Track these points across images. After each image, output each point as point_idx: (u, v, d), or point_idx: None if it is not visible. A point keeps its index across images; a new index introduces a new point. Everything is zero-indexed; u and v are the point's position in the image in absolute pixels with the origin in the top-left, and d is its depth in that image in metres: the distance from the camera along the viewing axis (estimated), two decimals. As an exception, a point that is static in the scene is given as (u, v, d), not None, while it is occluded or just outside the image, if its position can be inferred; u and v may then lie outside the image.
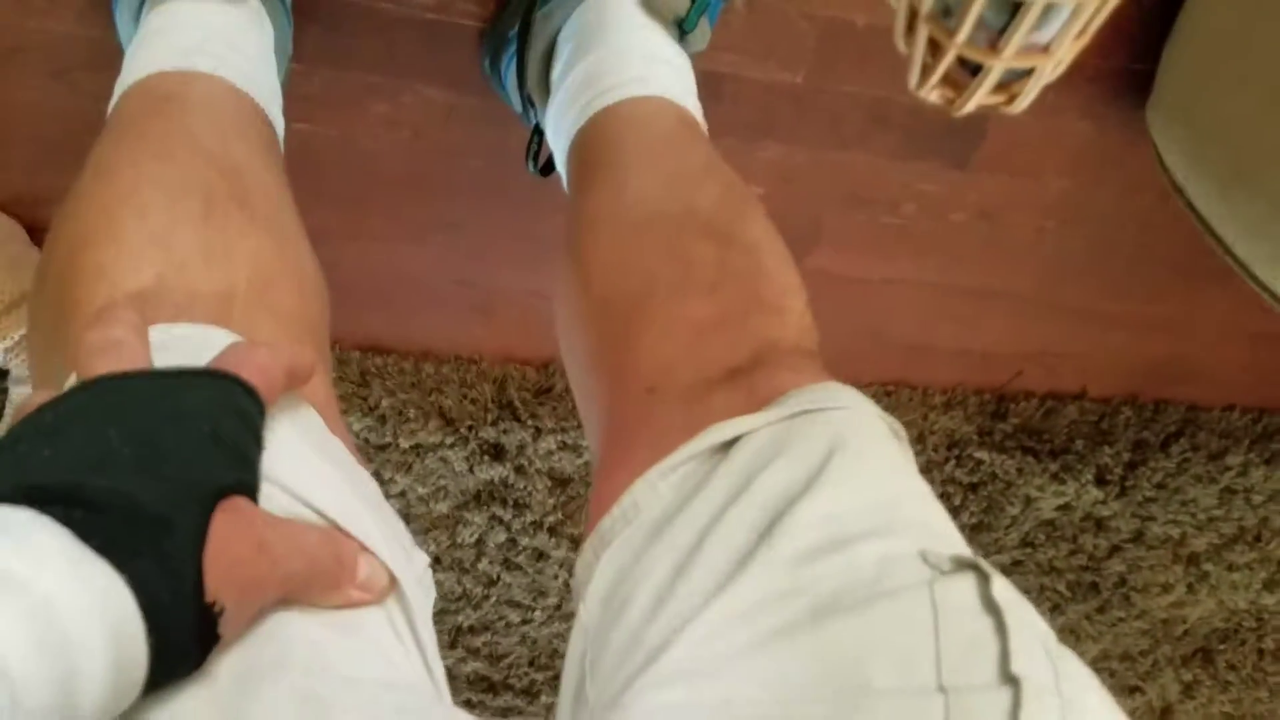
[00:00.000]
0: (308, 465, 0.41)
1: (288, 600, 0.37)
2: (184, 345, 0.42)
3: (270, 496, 0.38)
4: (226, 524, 0.34)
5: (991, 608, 0.38)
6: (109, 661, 0.28)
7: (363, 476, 0.46)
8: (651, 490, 0.47)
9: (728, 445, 0.47)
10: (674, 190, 0.60)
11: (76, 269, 0.46)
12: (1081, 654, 0.40)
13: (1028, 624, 0.38)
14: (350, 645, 0.38)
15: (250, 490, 0.37)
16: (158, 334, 0.42)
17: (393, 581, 0.41)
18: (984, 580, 0.39)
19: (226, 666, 0.34)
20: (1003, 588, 0.39)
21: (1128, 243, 1.13)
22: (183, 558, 0.31)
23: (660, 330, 0.54)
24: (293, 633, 0.37)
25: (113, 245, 0.47)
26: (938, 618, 0.37)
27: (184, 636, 0.32)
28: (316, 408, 0.46)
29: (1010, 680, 0.35)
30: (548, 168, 0.81)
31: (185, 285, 0.46)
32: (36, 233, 0.94)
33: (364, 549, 0.40)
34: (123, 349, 0.39)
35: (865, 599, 0.39)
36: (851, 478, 0.43)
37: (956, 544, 0.42)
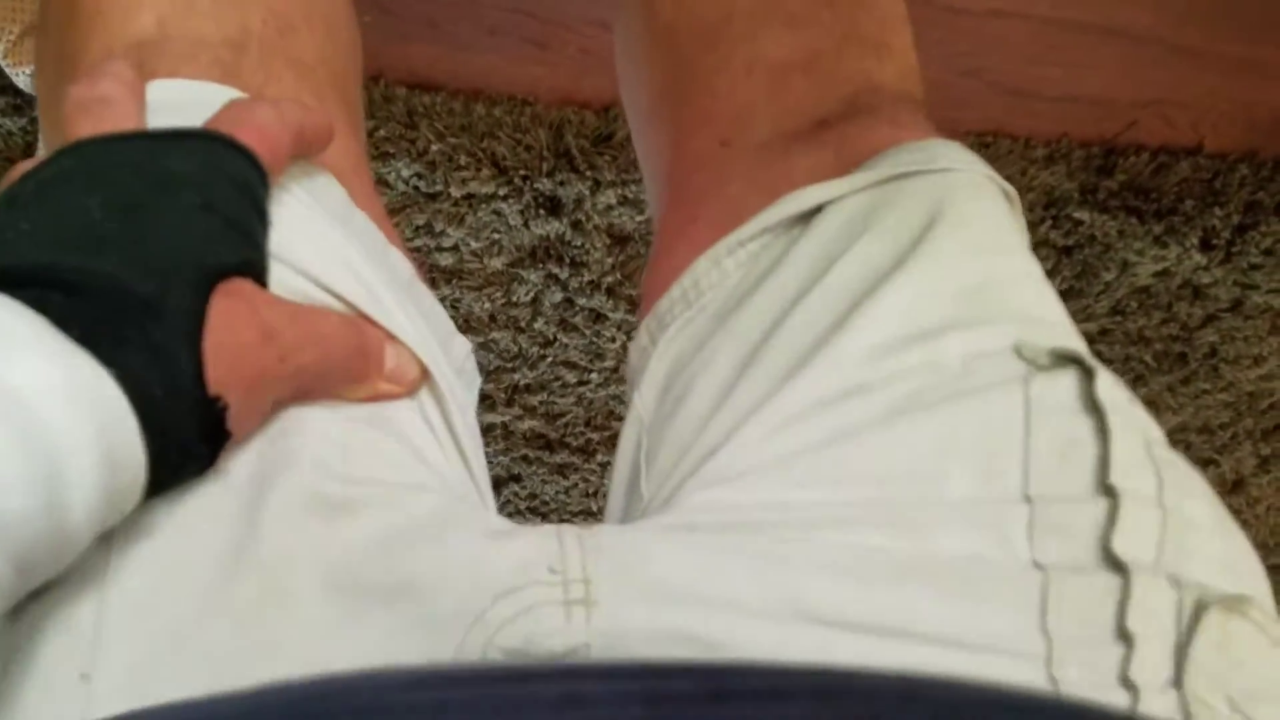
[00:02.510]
0: (325, 242, 0.36)
1: (307, 394, 0.33)
2: (184, 104, 0.37)
3: (280, 279, 0.34)
4: (226, 309, 0.29)
5: (1093, 408, 0.33)
6: (97, 459, 0.25)
7: (392, 255, 0.41)
8: (716, 268, 0.42)
9: (809, 216, 0.40)
10: None
11: (74, 13, 0.40)
12: (1160, 426, 0.35)
13: (1133, 427, 0.33)
14: (375, 442, 0.35)
15: (253, 270, 0.32)
16: (155, 92, 0.37)
17: (425, 372, 0.37)
18: (1087, 376, 0.34)
19: (242, 463, 0.31)
20: (1109, 386, 0.34)
21: (1267, -26, 1.00)
22: (175, 347, 0.28)
23: (737, 70, 0.46)
24: (309, 428, 0.33)
25: None
26: (1029, 418, 0.34)
27: (187, 434, 0.28)
28: (343, 172, 0.40)
29: (1107, 491, 0.32)
30: None
31: (190, 30, 0.39)
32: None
33: (391, 337, 0.36)
34: (109, 108, 0.33)
35: (946, 397, 0.34)
36: (946, 257, 0.37)
37: (1062, 334, 0.37)
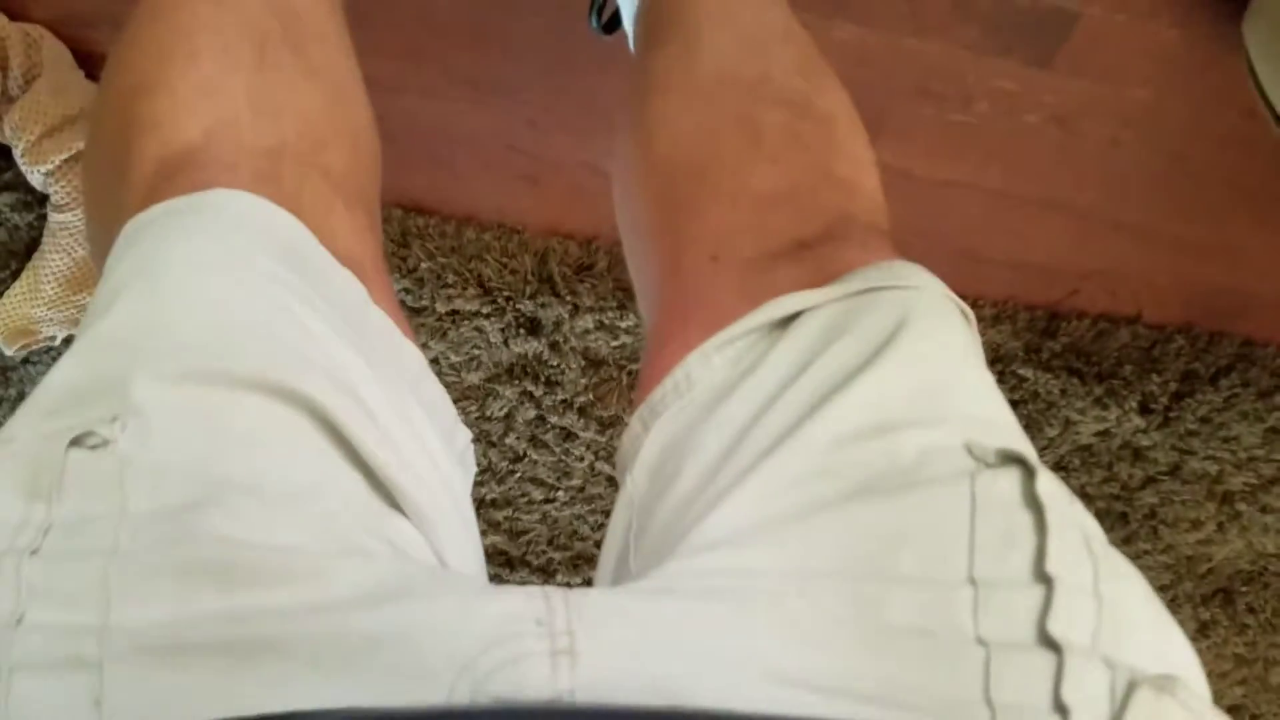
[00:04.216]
0: (338, 358, 0.39)
1: None
2: (214, 211, 0.41)
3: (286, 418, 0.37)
4: None
5: (1034, 504, 0.36)
6: None
7: (405, 349, 0.45)
8: (705, 363, 0.45)
9: (788, 321, 0.44)
10: (749, 53, 0.57)
11: (129, 119, 0.45)
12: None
13: (1071, 523, 0.36)
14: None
15: None
16: (206, 198, 0.41)
17: None
18: (1029, 475, 0.37)
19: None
20: (1048, 483, 0.37)
21: (1200, 162, 1.09)
22: None
23: (725, 199, 0.51)
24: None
25: (164, 95, 0.45)
26: (975, 510, 0.36)
27: None
28: (364, 273, 0.44)
29: (1044, 579, 0.34)
30: (611, 24, 0.78)
31: (234, 140, 0.44)
32: (81, 55, 0.92)
33: None
34: None
35: (901, 486, 0.38)
36: (909, 362, 0.41)
37: (1010, 437, 0.40)
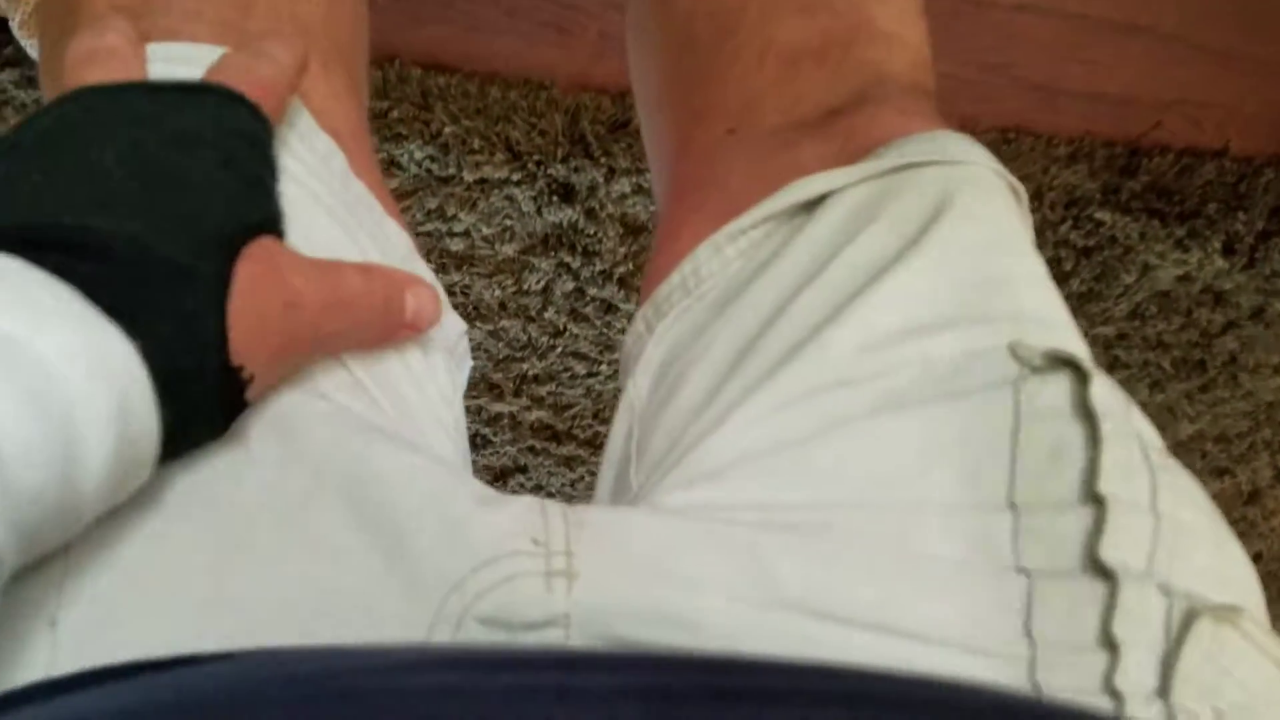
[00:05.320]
0: (317, 231, 0.36)
1: (328, 353, 0.33)
2: (183, 67, 0.36)
3: None
4: (252, 274, 0.29)
5: (1085, 413, 0.32)
6: (115, 436, 0.24)
7: (388, 226, 0.41)
8: (717, 255, 0.41)
9: (813, 205, 0.40)
10: None
11: None
12: (1176, 434, 0.34)
13: (1128, 433, 0.32)
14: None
15: (274, 227, 0.31)
16: (154, 50, 0.36)
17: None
18: (1081, 380, 0.33)
19: (256, 430, 0.31)
20: (1104, 390, 0.33)
21: (1296, -24, 0.99)
22: (205, 316, 0.27)
23: (747, 58, 0.46)
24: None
25: None
26: (1018, 422, 0.33)
27: (206, 405, 0.28)
28: (343, 139, 0.39)
29: (1094, 499, 0.31)
30: None
31: None
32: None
33: (409, 278, 0.35)
34: (114, 58, 0.33)
35: (934, 396, 0.34)
36: (948, 252, 0.36)
37: (1060, 336, 0.36)
